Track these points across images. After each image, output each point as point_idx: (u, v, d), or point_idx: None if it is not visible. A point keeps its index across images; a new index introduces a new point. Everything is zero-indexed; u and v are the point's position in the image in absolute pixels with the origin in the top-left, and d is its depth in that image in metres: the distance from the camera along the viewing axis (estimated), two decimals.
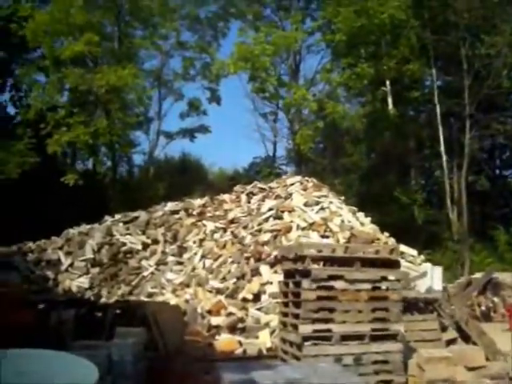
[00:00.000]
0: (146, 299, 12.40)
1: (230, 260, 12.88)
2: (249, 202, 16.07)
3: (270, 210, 14.40)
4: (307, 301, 7.19)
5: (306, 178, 16.39)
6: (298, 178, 16.61)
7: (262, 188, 16.67)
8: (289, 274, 8.03)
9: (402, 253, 13.81)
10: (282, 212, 13.95)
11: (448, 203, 26.17)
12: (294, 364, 6.89)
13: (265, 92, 26.69)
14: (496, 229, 27.13)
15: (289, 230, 13.02)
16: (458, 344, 9.97)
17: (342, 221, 13.49)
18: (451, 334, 10.15)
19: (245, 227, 14.19)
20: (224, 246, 13.59)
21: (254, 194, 16.47)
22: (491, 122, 26.50)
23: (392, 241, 14.40)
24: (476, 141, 26.63)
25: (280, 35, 25.38)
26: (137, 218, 16.51)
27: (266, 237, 13.00)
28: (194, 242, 14.58)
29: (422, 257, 14.13)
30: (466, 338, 10.18)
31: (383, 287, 7.58)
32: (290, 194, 14.99)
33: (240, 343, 9.57)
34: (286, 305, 7.98)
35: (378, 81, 28.19)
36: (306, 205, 14.16)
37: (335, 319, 7.24)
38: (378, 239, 13.16)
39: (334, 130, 30.10)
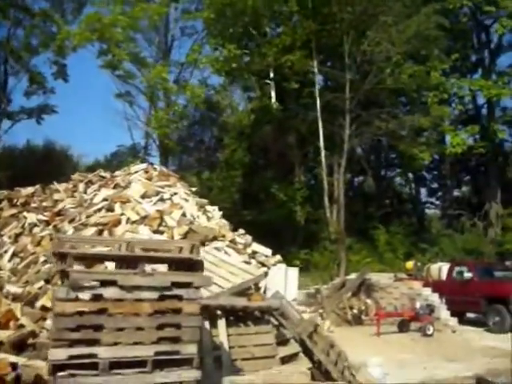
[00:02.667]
0: None
1: (42, 259, 10.57)
2: (85, 192, 13.78)
3: (105, 200, 12.25)
4: (62, 315, 5.21)
5: (154, 166, 14.42)
6: (144, 165, 14.57)
7: (102, 176, 14.43)
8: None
9: (255, 252, 12.33)
10: (115, 203, 11.84)
11: (326, 201, 25.17)
12: None
13: (118, 69, 24.08)
14: (377, 228, 26.79)
15: (117, 223, 10.94)
16: (299, 360, 8.48)
17: (184, 214, 11.59)
18: (292, 348, 8.64)
19: (71, 220, 11.91)
20: (39, 243, 11.24)
21: (93, 183, 14.19)
22: (372, 118, 25.79)
23: (247, 238, 12.89)
24: (357, 138, 25.89)
25: (140, 8, 22.90)
26: None
27: (90, 231, 10.82)
28: (10, 237, 12.09)
29: (278, 257, 12.58)
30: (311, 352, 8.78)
31: (185, 296, 5.70)
32: (131, 183, 12.92)
33: (14, 366, 7.32)
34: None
35: (264, 75, 27.03)
36: (144, 195, 12.16)
37: (103, 340, 5.31)
38: (224, 236, 11.41)
39: (211, 122, 28.44)
